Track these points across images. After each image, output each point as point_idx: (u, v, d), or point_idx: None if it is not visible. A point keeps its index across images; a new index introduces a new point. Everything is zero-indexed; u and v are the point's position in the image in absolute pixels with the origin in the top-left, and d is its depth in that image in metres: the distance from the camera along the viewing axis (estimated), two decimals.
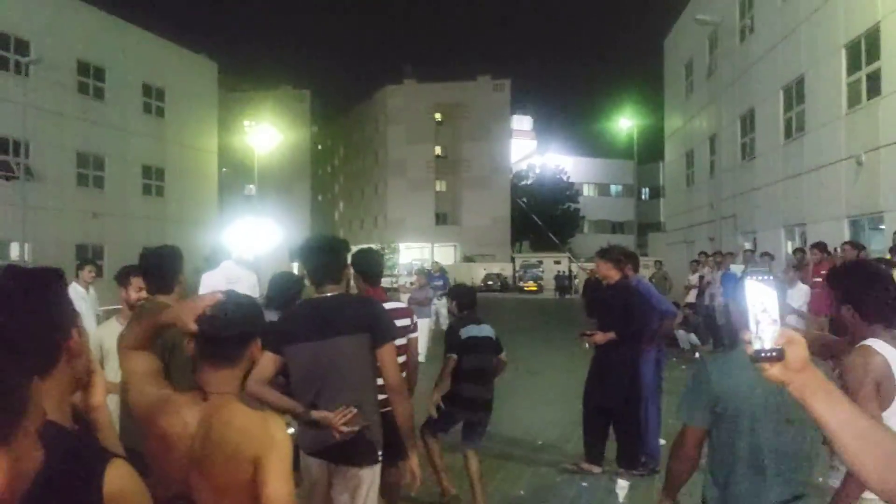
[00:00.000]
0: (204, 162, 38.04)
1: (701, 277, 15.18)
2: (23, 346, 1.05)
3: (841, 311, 2.97)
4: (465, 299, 5.82)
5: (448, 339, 5.60)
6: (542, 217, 52.69)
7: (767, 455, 2.75)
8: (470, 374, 5.46)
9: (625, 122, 48.75)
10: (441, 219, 62.74)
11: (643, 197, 65.11)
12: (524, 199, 58.80)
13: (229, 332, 2.15)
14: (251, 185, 49.28)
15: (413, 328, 4.69)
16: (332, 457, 3.49)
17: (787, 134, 20.92)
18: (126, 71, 32.15)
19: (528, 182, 63.61)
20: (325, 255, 3.69)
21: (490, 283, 48.38)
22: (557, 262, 49.41)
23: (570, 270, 45.95)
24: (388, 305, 4.30)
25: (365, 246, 4.77)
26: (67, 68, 29.38)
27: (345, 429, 3.31)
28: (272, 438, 2.09)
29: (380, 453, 3.55)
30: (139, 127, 33.16)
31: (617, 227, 65.72)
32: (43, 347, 1.50)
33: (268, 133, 41.86)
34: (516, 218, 59.80)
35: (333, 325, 3.51)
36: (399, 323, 4.27)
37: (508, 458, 6.88)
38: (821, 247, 10.59)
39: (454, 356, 5.44)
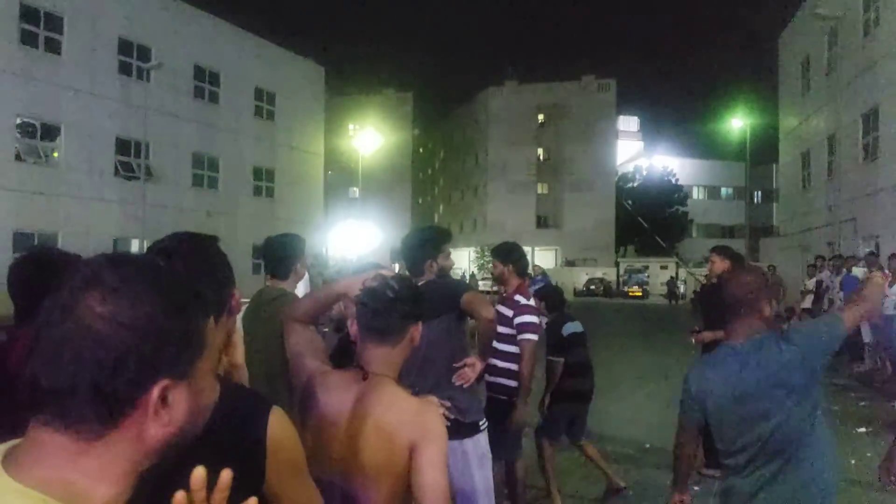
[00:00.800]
0: (311, 164, 38.97)
1: (819, 282, 14.45)
2: (203, 292, 1.14)
3: None
4: (552, 299, 5.98)
5: (550, 340, 5.61)
6: (649, 220, 51.56)
7: (739, 448, 2.82)
8: (575, 368, 5.57)
9: (736, 123, 46.94)
10: (542, 222, 62.25)
11: (755, 200, 62.74)
12: (630, 202, 57.68)
13: (393, 306, 2.10)
14: (355, 188, 50.28)
15: (533, 329, 4.61)
16: None
17: None
18: (239, 75, 33.31)
19: (634, 184, 62.39)
20: (415, 248, 3.91)
21: (592, 287, 47.61)
22: (664, 267, 48.19)
23: (677, 275, 44.74)
24: (522, 300, 4.62)
25: (511, 241, 4.99)
26: (185, 73, 30.66)
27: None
28: (430, 426, 2.04)
29: (481, 423, 3.67)
30: (250, 129, 34.28)
31: (727, 232, 63.50)
32: (216, 297, 1.62)
33: (371, 136, 42.61)
34: (621, 221, 58.71)
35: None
36: (524, 319, 4.54)
37: (617, 459, 6.69)
38: None
39: (561, 359, 5.52)
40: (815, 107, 28.71)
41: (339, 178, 55.68)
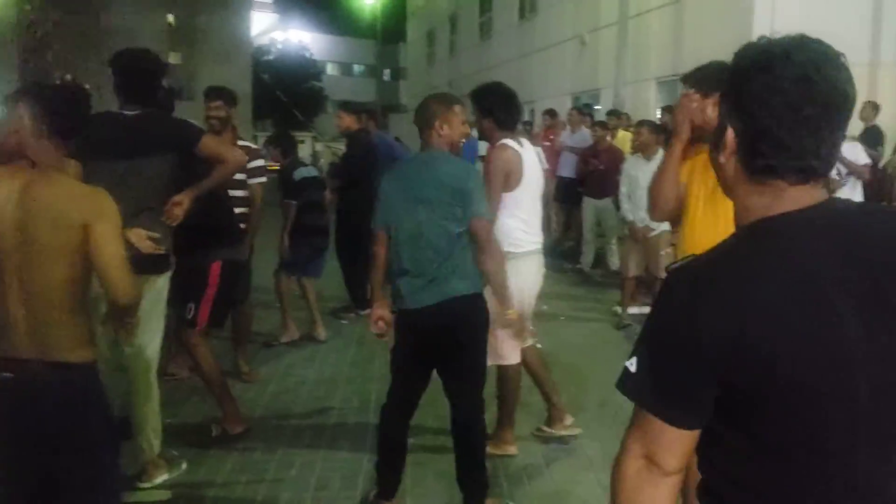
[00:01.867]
0: None
1: None
2: None
3: (483, 124, 4.08)
4: (287, 145, 6.62)
5: (283, 184, 6.27)
6: (286, 95, 51.54)
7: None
8: (308, 208, 6.27)
9: (368, 0, 48.41)
10: (176, 93, 59.04)
11: (385, 78, 65.68)
12: (266, 76, 56.89)
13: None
14: None
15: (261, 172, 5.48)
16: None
17: (521, 14, 22.20)
18: None
19: (271, 58, 61.41)
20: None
21: None
22: (302, 141, 48.93)
23: (314, 149, 45.78)
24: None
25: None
26: None
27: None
28: (103, 206, 2.30)
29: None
30: None
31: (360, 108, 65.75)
32: None
33: None
34: (258, 95, 57.85)
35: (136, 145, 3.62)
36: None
37: None
38: (551, 113, 11.84)
39: (293, 202, 6.19)
40: None
41: None
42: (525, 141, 4.27)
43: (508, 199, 3.99)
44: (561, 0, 19.10)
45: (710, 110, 2.57)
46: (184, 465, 3.99)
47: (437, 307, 3.24)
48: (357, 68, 69.72)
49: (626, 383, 1.28)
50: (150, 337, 3.75)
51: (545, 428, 4.51)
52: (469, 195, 3.24)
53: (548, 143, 10.99)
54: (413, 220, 3.25)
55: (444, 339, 3.29)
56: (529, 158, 4.12)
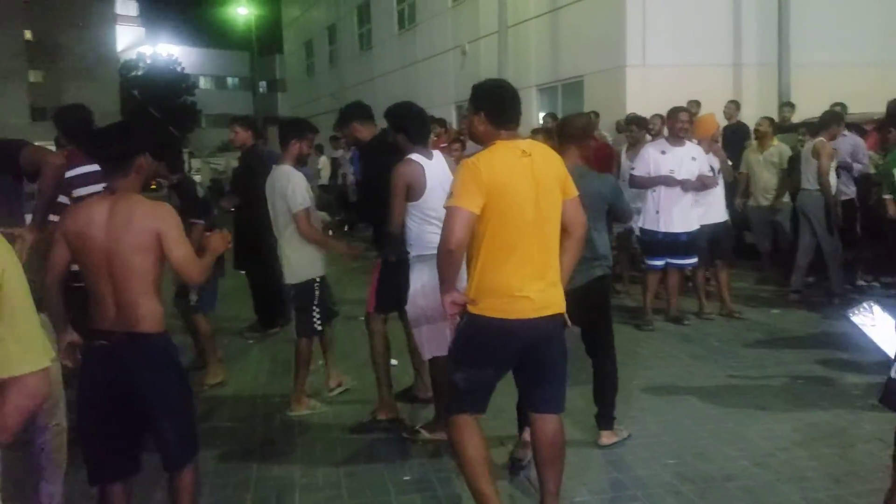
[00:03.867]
0: None
1: (334, 159, 16.21)
2: None
3: (398, 139, 4.47)
4: (173, 157, 5.94)
5: (184, 202, 5.70)
6: (159, 111, 49.90)
7: None
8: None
9: (241, 11, 47.49)
10: (39, 114, 56.03)
11: (261, 90, 64.58)
12: (136, 92, 54.89)
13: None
14: None
15: None
16: None
17: (401, 25, 22.42)
18: None
19: (139, 73, 59.29)
20: None
21: None
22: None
23: (190, 165, 44.53)
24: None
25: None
26: None
27: None
28: (166, 216, 3.04)
29: None
30: None
31: (229, 127, 64.36)
32: None
33: None
34: (127, 112, 55.74)
35: None
36: None
37: None
38: (440, 122, 12.05)
39: (201, 222, 5.69)
40: None
41: None
42: (436, 153, 4.63)
43: (415, 207, 4.38)
44: (440, 11, 19.45)
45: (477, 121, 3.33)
46: None
47: None
48: (231, 81, 68.25)
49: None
50: None
51: (420, 429, 4.64)
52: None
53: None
54: None
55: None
56: (437, 168, 4.45)
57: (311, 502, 3.89)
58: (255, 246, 6.82)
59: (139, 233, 2.96)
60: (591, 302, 4.23)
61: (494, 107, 3.29)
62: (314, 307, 5.12)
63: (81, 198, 4.31)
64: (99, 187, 4.44)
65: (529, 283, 3.16)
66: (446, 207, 3.15)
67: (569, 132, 4.49)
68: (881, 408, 4.90)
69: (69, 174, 4.17)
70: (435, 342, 4.45)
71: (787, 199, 8.64)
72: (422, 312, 4.44)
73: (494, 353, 3.26)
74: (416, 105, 4.73)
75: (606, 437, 4.48)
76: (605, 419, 4.51)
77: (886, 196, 5.31)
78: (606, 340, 4.54)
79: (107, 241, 2.96)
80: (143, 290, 2.98)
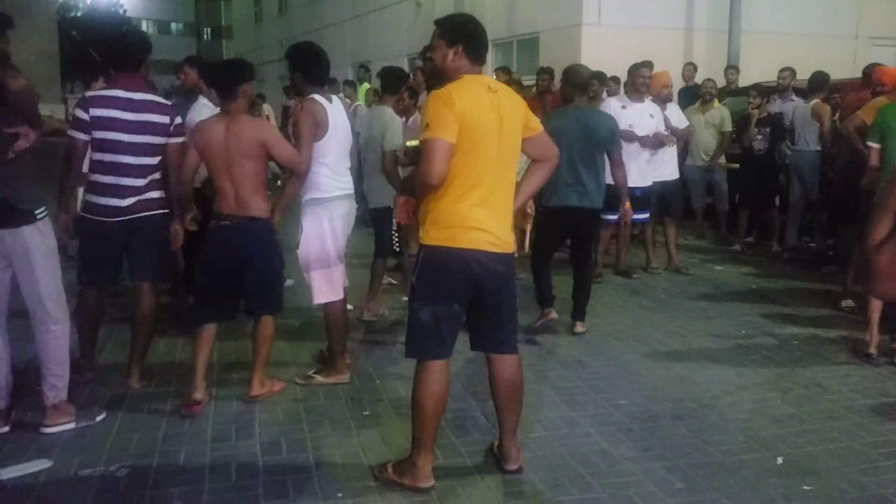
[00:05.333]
0: None
1: (286, 107, 15.98)
2: None
3: (295, 77, 4.57)
4: None
5: None
6: (98, 53, 48.28)
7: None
8: None
9: None
10: None
11: (205, 37, 62.86)
12: (76, 33, 52.82)
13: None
14: None
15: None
16: None
17: None
18: None
19: (78, 14, 56.98)
20: None
21: None
22: None
23: None
24: None
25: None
26: None
27: None
28: (264, 128, 4.25)
29: (38, 212, 3.80)
30: None
31: (179, 69, 62.60)
32: None
33: None
34: (66, 55, 53.69)
35: None
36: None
37: None
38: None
39: None
40: None
41: None
42: (335, 98, 4.76)
43: (315, 148, 4.39)
44: None
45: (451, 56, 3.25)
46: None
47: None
48: (175, 26, 66.18)
49: None
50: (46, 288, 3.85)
51: (313, 375, 4.72)
52: None
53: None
54: None
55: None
56: (337, 113, 4.54)
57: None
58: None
59: (248, 144, 4.04)
60: (582, 228, 5.71)
61: (473, 42, 3.25)
62: (394, 231, 5.89)
63: None
64: None
65: (486, 218, 3.18)
66: (423, 140, 3.11)
67: (577, 80, 5.61)
68: (818, 356, 5.20)
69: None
70: (326, 287, 4.56)
71: (722, 160, 8.91)
72: (315, 257, 4.51)
73: (450, 283, 3.22)
74: (316, 45, 4.70)
75: (580, 327, 5.74)
76: (580, 313, 5.78)
77: (873, 144, 5.57)
78: (588, 257, 5.95)
79: (225, 151, 4.05)
80: (254, 188, 4.12)
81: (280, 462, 3.64)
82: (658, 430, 4.03)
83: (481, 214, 3.17)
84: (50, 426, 3.88)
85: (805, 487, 3.42)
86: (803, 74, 9.48)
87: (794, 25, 12.99)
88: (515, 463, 3.52)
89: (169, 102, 4.47)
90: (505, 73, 10.25)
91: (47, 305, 3.81)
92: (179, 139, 4.44)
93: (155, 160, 4.40)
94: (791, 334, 5.72)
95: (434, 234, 3.21)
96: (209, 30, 63.39)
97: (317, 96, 4.45)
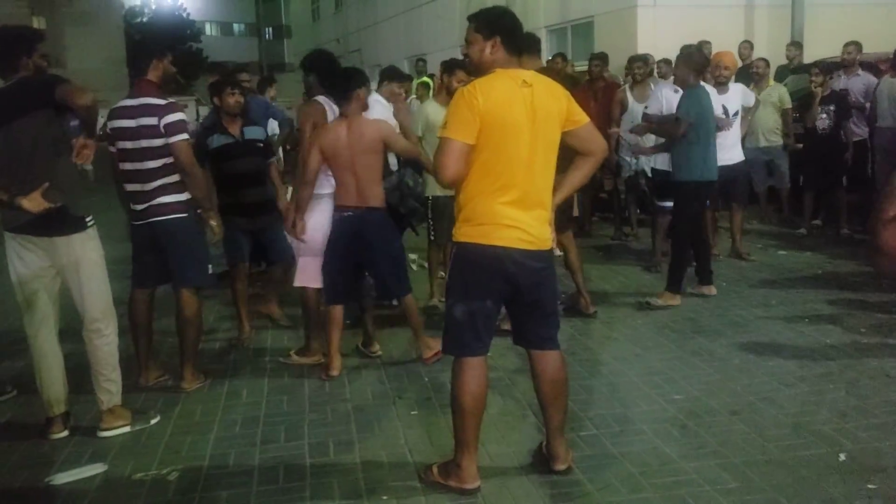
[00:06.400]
0: None
1: None
2: None
3: (308, 80, 5.11)
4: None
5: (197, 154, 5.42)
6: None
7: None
8: (233, 180, 5.34)
9: None
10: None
11: (267, 37, 63.76)
12: (141, 38, 54.27)
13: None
14: None
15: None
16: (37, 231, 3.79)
17: None
18: None
19: (144, 19, 58.50)
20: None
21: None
22: (185, 106, 47.21)
23: (198, 113, 44.29)
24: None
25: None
26: None
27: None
28: (385, 128, 4.70)
29: (88, 219, 3.91)
30: None
31: (242, 69, 63.65)
32: None
33: None
34: (134, 59, 55.18)
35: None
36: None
37: None
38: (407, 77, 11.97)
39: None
40: None
41: None
42: (374, 96, 5.16)
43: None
44: None
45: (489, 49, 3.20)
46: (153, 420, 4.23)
47: None
48: (237, 27, 67.34)
49: None
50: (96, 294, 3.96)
51: (293, 355, 5.11)
52: None
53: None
54: None
55: None
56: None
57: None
58: None
59: (370, 141, 4.50)
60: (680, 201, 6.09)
61: (510, 34, 3.19)
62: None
63: None
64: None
65: (520, 215, 3.11)
66: (439, 137, 3.11)
67: (698, 60, 6.11)
68: (887, 345, 4.96)
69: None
70: (306, 273, 4.90)
71: (780, 141, 8.58)
72: (309, 245, 4.79)
73: (483, 280, 3.17)
74: (331, 54, 5.47)
75: (667, 299, 6.01)
76: (674, 283, 6.05)
77: None
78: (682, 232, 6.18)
79: (349, 149, 4.48)
80: (374, 180, 4.60)
81: (327, 463, 3.66)
82: (713, 425, 3.90)
83: (514, 212, 3.11)
84: (106, 430, 3.98)
85: (870, 486, 3.26)
86: (874, 47, 9.08)
87: None
88: (564, 463, 3.45)
89: (163, 102, 4.27)
90: (562, 60, 10.07)
91: (96, 312, 3.91)
92: (177, 137, 4.25)
93: (157, 163, 4.31)
94: (857, 322, 5.48)
95: (466, 231, 3.17)
96: (270, 29, 64.30)
97: (321, 98, 4.87)
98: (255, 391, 4.62)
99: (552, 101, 3.19)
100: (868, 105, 8.30)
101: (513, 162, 3.08)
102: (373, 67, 24.99)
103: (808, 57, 10.39)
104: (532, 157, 3.12)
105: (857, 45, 8.64)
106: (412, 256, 7.61)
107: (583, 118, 3.27)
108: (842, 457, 3.51)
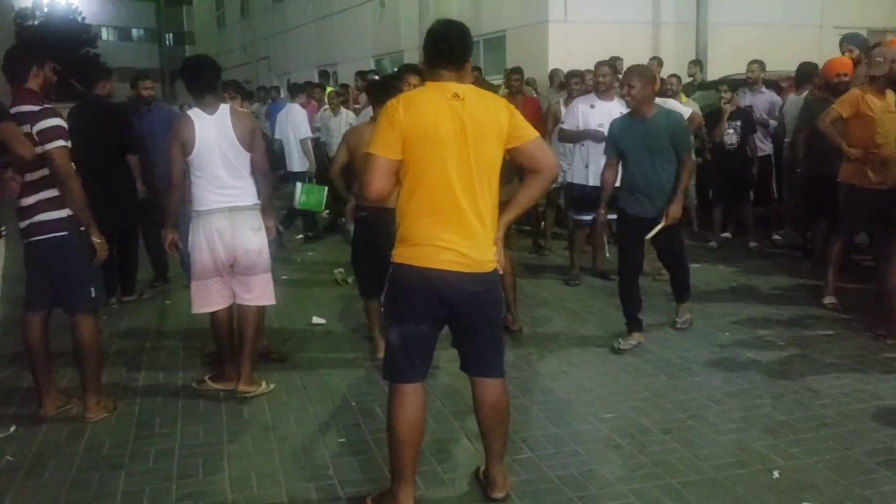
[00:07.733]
0: None
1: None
2: None
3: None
4: None
5: None
6: (58, 64, 47.35)
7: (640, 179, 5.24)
8: None
9: None
10: None
11: (168, 42, 61.96)
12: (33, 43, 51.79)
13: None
14: None
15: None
16: None
17: None
18: None
19: (35, 23, 55.91)
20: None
21: None
22: (61, 112, 45.32)
23: None
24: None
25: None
26: None
27: None
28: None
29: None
30: None
31: (142, 75, 61.63)
32: None
33: None
34: (5, 66, 52.54)
35: None
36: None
37: None
38: (362, 75, 11.80)
39: None
40: None
41: None
42: (224, 108, 4.54)
43: (189, 164, 4.46)
44: None
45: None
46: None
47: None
48: (136, 33, 65.21)
49: None
50: None
51: (208, 381, 4.76)
52: None
53: (358, 106, 10.94)
54: None
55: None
56: (212, 126, 4.44)
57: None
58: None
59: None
60: (667, 231, 5.35)
61: (431, 45, 3.06)
62: None
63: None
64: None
65: (453, 236, 2.95)
66: (365, 154, 3.02)
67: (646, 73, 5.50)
68: (805, 357, 5.07)
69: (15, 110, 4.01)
70: (199, 298, 4.61)
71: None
72: (198, 267, 4.55)
73: (415, 303, 3.02)
74: (203, 59, 4.86)
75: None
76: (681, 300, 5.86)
77: None
78: (678, 254, 5.71)
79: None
80: None
81: (251, 498, 3.43)
82: (647, 445, 3.86)
83: (446, 233, 2.95)
84: None
85: (804, 503, 3.27)
86: (771, 66, 9.43)
87: (760, 16, 12.92)
88: (502, 490, 3.33)
89: (36, 108, 3.97)
90: (479, 74, 10.05)
91: None
92: (52, 144, 3.94)
93: (34, 176, 4.01)
94: (775, 335, 5.59)
95: (401, 252, 3.03)
96: (171, 36, 62.50)
97: (192, 111, 4.49)
98: (169, 420, 4.32)
99: (487, 114, 3.01)
100: (771, 122, 8.59)
101: (440, 179, 2.93)
102: (281, 76, 24.51)
103: (711, 74, 10.72)
104: (464, 173, 2.95)
105: (761, 64, 8.94)
106: (338, 270, 7.48)
107: (529, 133, 3.09)
108: (775, 474, 3.52)
